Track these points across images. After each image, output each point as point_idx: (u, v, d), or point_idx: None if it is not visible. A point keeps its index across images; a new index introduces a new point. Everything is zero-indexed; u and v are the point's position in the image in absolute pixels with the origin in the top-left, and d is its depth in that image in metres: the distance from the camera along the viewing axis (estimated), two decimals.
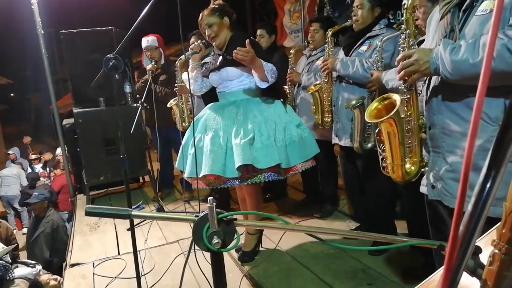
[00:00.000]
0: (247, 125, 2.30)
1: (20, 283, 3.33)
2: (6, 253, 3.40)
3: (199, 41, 2.53)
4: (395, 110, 1.52)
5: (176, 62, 3.59)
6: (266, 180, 2.32)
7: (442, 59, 1.29)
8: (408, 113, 1.52)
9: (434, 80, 1.44)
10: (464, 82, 1.30)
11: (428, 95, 1.48)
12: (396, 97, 1.59)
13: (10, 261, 3.45)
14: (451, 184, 1.40)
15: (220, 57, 2.44)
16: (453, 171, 1.39)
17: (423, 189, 1.57)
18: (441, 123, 1.40)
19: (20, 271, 3.44)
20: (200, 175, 2.29)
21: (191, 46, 2.48)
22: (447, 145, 1.39)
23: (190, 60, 2.53)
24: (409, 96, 1.50)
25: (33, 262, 3.68)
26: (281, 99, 2.53)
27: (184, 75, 2.54)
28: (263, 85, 2.31)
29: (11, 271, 3.32)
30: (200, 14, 2.41)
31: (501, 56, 1.14)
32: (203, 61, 2.60)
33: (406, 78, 1.44)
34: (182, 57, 2.38)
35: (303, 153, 2.43)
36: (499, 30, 1.18)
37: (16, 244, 3.81)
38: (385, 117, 1.55)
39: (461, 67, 1.23)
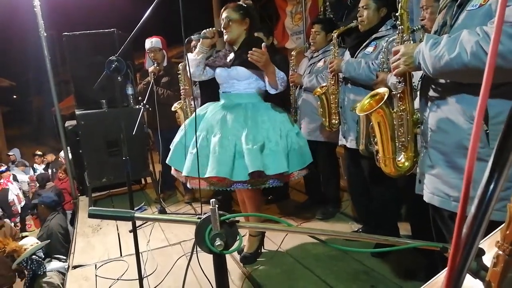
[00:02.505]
0: (257, 131, 2.30)
1: (52, 275, 3.49)
2: (39, 249, 3.62)
3: (213, 28, 2.46)
4: (382, 101, 1.53)
5: (179, 65, 3.61)
6: (270, 186, 2.32)
7: (423, 54, 1.29)
8: (402, 108, 1.52)
9: (424, 75, 1.45)
10: (444, 77, 1.30)
11: (420, 91, 1.50)
12: (384, 90, 1.60)
13: (43, 256, 3.64)
14: (430, 179, 1.41)
15: (232, 54, 2.41)
16: (433, 166, 1.40)
17: None
18: (428, 119, 1.41)
19: (52, 265, 3.64)
20: (205, 176, 2.25)
21: (204, 30, 2.41)
22: (431, 141, 1.40)
23: (198, 43, 2.49)
24: (402, 91, 1.51)
25: (64, 257, 3.79)
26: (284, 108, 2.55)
27: (189, 55, 2.50)
28: (273, 91, 2.32)
29: (43, 266, 3.54)
30: (225, 6, 2.41)
31: (474, 54, 1.11)
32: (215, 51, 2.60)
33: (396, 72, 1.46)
34: (192, 37, 2.35)
35: (300, 161, 2.43)
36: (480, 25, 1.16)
37: (49, 241, 3.90)
38: (373, 109, 1.56)
39: (438, 62, 1.22)
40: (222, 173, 2.21)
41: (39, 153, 8.77)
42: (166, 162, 2.58)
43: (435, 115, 1.37)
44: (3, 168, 7.37)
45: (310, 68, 3.23)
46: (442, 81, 1.33)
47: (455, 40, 1.18)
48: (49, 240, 3.94)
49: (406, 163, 1.58)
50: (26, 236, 5.63)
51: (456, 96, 1.28)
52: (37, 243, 3.68)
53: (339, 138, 2.78)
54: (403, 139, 1.56)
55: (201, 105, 2.69)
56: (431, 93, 1.39)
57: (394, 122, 1.57)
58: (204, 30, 2.41)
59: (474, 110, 1.22)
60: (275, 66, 2.29)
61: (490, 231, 0.66)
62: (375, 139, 1.65)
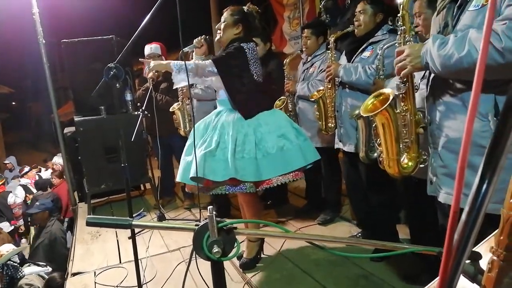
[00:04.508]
0: (213, 136, 2.33)
1: (33, 278, 3.51)
2: (15, 254, 3.67)
3: (201, 37, 2.54)
4: (388, 102, 1.54)
5: None
6: (226, 192, 2.36)
7: (431, 54, 1.31)
8: (405, 108, 1.54)
9: (432, 76, 1.45)
10: (452, 76, 1.32)
11: (428, 91, 1.50)
12: (389, 91, 1.61)
13: (19, 261, 3.67)
14: (443, 179, 1.41)
15: None
16: (445, 166, 1.40)
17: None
18: (437, 119, 1.42)
19: (30, 269, 3.67)
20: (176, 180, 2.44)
21: (194, 41, 2.52)
22: (441, 141, 1.41)
23: (193, 54, 2.56)
24: (405, 92, 1.52)
25: (43, 263, 3.82)
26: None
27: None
28: (177, 84, 2.32)
29: (20, 270, 3.57)
30: (228, 7, 2.44)
31: None
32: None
33: (400, 72, 1.47)
34: (184, 49, 2.41)
35: (280, 166, 2.28)
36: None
37: (26, 246, 3.93)
38: (378, 110, 1.56)
39: (447, 61, 1.24)
40: (184, 180, 2.38)
41: (33, 171, 8.51)
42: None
43: (444, 114, 1.38)
44: (27, 168, 7.39)
45: (303, 75, 3.24)
46: (450, 80, 1.34)
47: (463, 39, 1.20)
48: (27, 245, 3.96)
49: (410, 163, 1.59)
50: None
51: (465, 94, 1.30)
52: (13, 249, 3.73)
53: (335, 141, 2.78)
54: (406, 139, 1.57)
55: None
56: (440, 92, 1.40)
57: (398, 123, 1.58)
58: (194, 41, 2.51)
59: (484, 108, 1.23)
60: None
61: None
62: (379, 141, 1.65)
